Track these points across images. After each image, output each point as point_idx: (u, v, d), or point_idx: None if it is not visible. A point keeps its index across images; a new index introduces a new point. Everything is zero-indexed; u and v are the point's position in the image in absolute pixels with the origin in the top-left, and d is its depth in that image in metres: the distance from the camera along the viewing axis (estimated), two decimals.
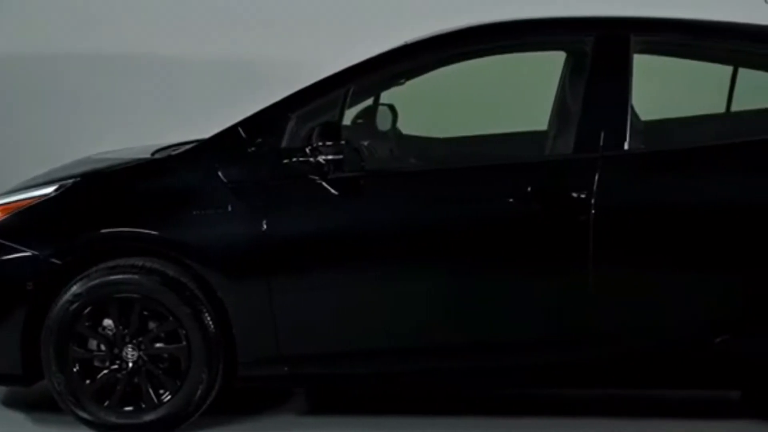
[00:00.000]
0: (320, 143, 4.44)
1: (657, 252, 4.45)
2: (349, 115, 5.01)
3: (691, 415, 4.86)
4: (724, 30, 4.76)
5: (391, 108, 5.30)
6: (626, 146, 4.47)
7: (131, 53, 7.49)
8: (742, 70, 5.14)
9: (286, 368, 4.59)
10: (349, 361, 4.62)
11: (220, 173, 4.57)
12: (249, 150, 4.58)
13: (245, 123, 4.63)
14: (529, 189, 4.44)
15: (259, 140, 4.58)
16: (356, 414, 4.90)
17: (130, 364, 4.57)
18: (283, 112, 4.61)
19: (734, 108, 5.28)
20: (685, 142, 4.85)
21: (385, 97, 5.23)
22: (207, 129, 4.80)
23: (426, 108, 5.65)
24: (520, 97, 6.01)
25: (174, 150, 4.90)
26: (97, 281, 4.54)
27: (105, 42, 7.54)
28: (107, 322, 4.59)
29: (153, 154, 4.94)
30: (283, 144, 4.57)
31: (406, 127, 5.44)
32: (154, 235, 4.57)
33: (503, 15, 4.84)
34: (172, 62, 7.45)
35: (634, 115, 4.65)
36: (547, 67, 5.26)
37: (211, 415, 4.69)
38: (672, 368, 4.53)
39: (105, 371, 4.59)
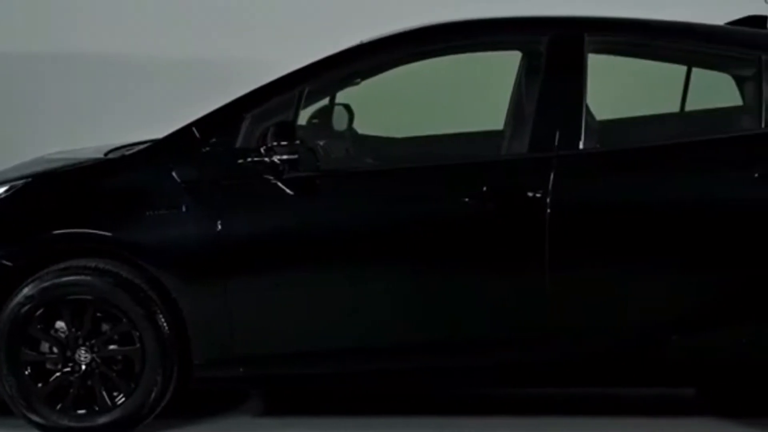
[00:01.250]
0: (275, 143, 4.42)
1: (613, 251, 4.46)
2: (305, 115, 5.00)
3: (647, 413, 4.88)
4: (677, 30, 4.79)
5: (347, 108, 5.29)
6: (581, 145, 4.49)
7: (85, 53, 7.41)
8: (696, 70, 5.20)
9: (241, 369, 4.56)
10: (306, 362, 4.60)
11: (174, 173, 4.54)
12: (203, 150, 4.55)
13: (199, 123, 4.60)
14: (484, 189, 4.44)
15: (214, 140, 4.55)
16: (313, 415, 4.89)
17: (83, 367, 4.52)
18: (238, 111, 4.59)
19: (688, 107, 5.31)
20: (640, 142, 4.86)
21: (341, 96, 5.21)
22: (161, 129, 4.77)
23: (382, 108, 5.64)
24: (476, 96, 6.01)
25: (127, 150, 4.86)
26: (49, 283, 4.49)
27: (61, 41, 7.46)
28: (59, 324, 4.54)
29: (106, 154, 4.88)
30: (238, 144, 4.54)
31: (362, 126, 5.43)
32: (107, 236, 4.53)
33: (459, 15, 4.85)
34: (126, 62, 7.38)
35: (589, 114, 4.67)
36: (503, 67, 5.26)
37: (166, 418, 4.65)
38: (629, 366, 4.55)
39: (57, 374, 4.54)
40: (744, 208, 4.44)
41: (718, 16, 4.95)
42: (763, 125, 4.56)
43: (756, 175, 4.42)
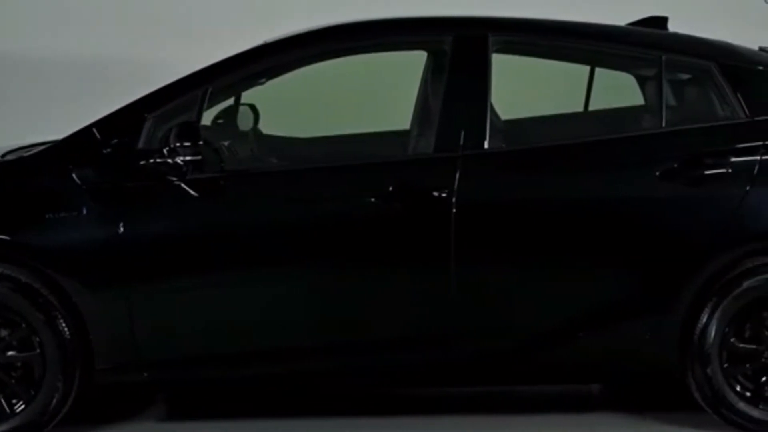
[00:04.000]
0: (178, 144, 4.36)
1: (518, 250, 4.50)
2: (209, 115, 4.95)
3: (555, 410, 4.93)
4: (580, 30, 4.84)
5: (252, 108, 5.25)
6: (486, 145, 4.51)
7: None
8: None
9: (146, 374, 4.50)
10: (211, 365, 4.55)
11: (74, 175, 4.45)
12: (104, 151, 4.47)
13: (100, 123, 4.53)
14: (390, 188, 4.44)
15: (115, 141, 4.48)
16: (217, 419, 4.85)
17: None
18: (140, 112, 4.52)
19: (592, 107, 5.38)
20: (545, 141, 4.89)
21: (247, 97, 5.16)
22: (61, 130, 4.69)
23: (288, 108, 5.61)
24: (382, 96, 6.01)
25: (26, 152, 4.75)
26: None
27: None
28: None
29: (3, 155, 4.77)
30: (140, 145, 4.48)
31: (267, 127, 5.39)
32: (5, 239, 4.42)
33: (365, 15, 4.85)
34: (24, 61, 7.24)
35: (494, 114, 4.71)
36: (411, 67, 5.27)
37: (68, 424, 4.56)
38: (536, 364, 4.59)
39: None
40: (645, 206, 4.50)
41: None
42: (663, 124, 4.63)
43: (657, 173, 4.49)
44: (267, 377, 4.60)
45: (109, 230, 4.40)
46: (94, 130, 4.51)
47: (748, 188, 4.46)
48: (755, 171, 4.48)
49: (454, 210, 4.42)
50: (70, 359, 4.41)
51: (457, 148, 4.49)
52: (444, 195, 4.42)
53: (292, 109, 5.73)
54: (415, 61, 5.22)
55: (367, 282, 4.51)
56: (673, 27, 4.94)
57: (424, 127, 4.86)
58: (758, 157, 4.50)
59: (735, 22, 5.02)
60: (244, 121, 5.20)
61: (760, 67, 4.69)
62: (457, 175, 4.44)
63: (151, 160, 4.42)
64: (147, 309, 4.44)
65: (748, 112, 4.58)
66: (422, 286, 4.49)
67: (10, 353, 4.43)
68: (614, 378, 4.87)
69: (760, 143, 4.52)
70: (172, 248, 4.46)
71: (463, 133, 4.50)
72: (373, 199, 4.46)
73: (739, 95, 4.60)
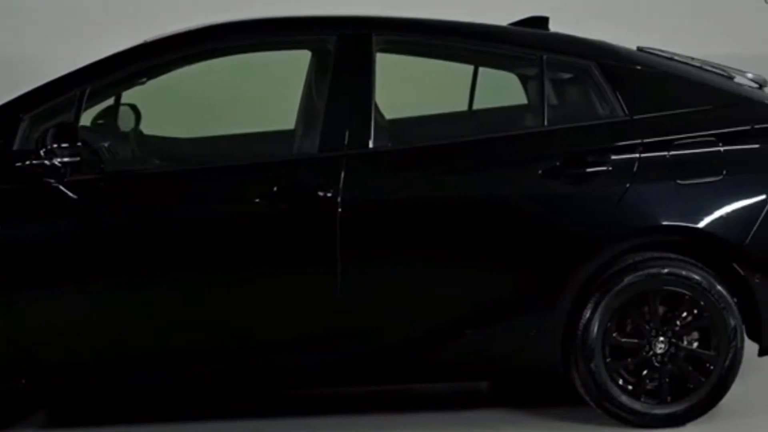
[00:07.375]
0: (55, 145, 4.26)
1: (404, 249, 4.51)
2: (90, 116, 4.87)
3: (443, 408, 4.95)
4: (464, 30, 4.87)
5: (134, 108, 5.16)
6: (371, 144, 4.51)
7: None
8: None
9: (23, 381, 4.39)
10: (94, 371, 4.47)
11: None
12: None
13: None
14: (275, 189, 4.41)
15: None
16: (98, 425, 4.78)
17: None
18: (15, 112, 4.42)
19: (476, 106, 5.42)
20: (430, 140, 4.90)
21: (128, 96, 5.07)
22: None
23: (171, 108, 5.54)
24: (268, 96, 5.97)
25: None
26: None
27: None
28: None
29: None
30: (15, 146, 4.37)
31: (152, 127, 5.30)
32: None
33: (246, 14, 4.81)
34: None
35: (379, 113, 4.71)
36: (294, 66, 5.24)
37: None
38: (424, 362, 4.60)
39: None
40: (529, 204, 4.55)
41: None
42: (545, 123, 4.69)
43: (539, 172, 4.54)
44: (153, 382, 4.52)
45: None
46: None
47: (627, 185, 4.55)
48: (635, 168, 4.57)
49: (340, 210, 4.41)
50: None
51: (341, 148, 4.48)
52: (329, 195, 4.41)
53: (174, 109, 5.66)
54: (299, 60, 5.18)
55: (253, 283, 4.47)
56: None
57: (308, 127, 4.84)
58: (637, 155, 4.59)
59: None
60: (125, 122, 5.12)
61: (638, 67, 4.79)
62: (342, 175, 4.43)
63: (28, 162, 4.31)
64: (25, 314, 4.34)
65: (626, 111, 4.67)
66: (309, 286, 4.47)
67: None
68: (501, 375, 4.90)
69: (639, 141, 4.61)
70: (51, 252, 4.36)
71: (347, 132, 4.50)
72: (257, 200, 4.43)
73: (618, 94, 4.68)
